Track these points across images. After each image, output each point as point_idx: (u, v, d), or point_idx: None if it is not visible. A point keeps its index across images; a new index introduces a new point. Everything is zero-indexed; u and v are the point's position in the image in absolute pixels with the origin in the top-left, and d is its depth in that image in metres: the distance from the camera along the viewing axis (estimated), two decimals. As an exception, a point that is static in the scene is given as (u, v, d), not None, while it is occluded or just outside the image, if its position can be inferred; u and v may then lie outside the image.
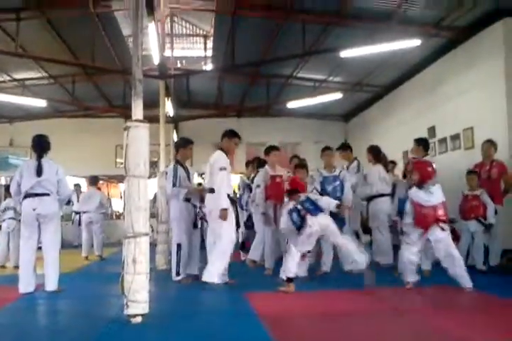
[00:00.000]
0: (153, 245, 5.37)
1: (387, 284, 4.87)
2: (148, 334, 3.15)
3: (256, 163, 6.97)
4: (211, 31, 9.38)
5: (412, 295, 4.47)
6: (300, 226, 4.57)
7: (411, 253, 4.51)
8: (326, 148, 6.10)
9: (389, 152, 6.60)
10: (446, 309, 3.77)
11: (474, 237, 5.64)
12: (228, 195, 4.92)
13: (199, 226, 5.50)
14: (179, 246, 5.22)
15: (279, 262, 6.02)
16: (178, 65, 10.82)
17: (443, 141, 8.36)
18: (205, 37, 9.99)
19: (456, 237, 5.74)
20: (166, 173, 5.54)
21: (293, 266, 4.48)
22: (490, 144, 5.99)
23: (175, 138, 11.98)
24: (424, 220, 4.45)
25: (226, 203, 4.78)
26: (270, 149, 6.07)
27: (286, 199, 4.97)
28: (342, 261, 5.47)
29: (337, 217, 5.28)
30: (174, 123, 11.81)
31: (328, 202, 4.77)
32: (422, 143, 5.83)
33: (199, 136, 12.55)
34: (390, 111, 10.69)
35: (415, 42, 7.16)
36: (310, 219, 4.52)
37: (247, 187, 7.08)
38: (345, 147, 6.76)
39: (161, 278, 5.69)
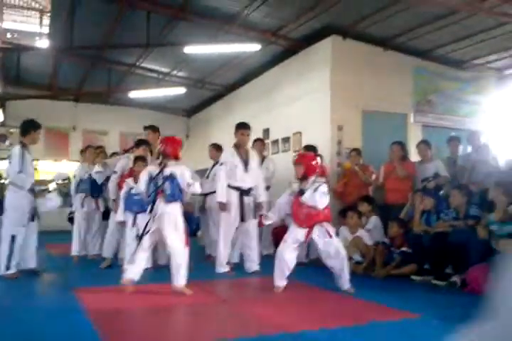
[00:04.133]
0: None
1: (219, 276, 5.17)
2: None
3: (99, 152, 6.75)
4: (48, 6, 8.72)
5: (239, 286, 4.76)
6: None
7: (290, 252, 4.30)
8: None
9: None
10: (268, 299, 4.06)
11: None
12: (238, 188, 5.39)
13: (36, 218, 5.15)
14: (13, 238, 4.82)
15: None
16: (8, 38, 9.84)
17: (275, 142, 8.98)
18: (42, 12, 9.26)
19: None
20: (9, 156, 4.98)
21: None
22: (306, 150, 6.50)
23: (1, 117, 10.89)
24: (309, 219, 4.25)
25: (221, 196, 5.34)
26: (139, 144, 5.90)
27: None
28: None
29: None
30: (1, 101, 10.71)
31: None
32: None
33: (29, 117, 11.61)
34: (230, 111, 11.10)
35: (255, 47, 7.59)
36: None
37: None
38: None
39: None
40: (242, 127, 5.63)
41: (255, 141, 7.07)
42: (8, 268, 4.80)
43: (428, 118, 8.26)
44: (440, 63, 8.29)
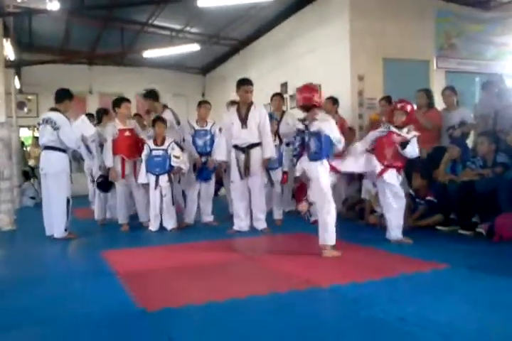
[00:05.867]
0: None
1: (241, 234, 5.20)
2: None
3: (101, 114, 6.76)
4: (56, -34, 8.43)
5: (264, 243, 4.79)
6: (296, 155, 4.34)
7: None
8: (204, 102, 6.18)
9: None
10: (294, 255, 4.05)
11: None
12: (236, 146, 5.18)
13: None
14: (68, 200, 5.04)
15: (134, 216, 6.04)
16: (19, 2, 9.63)
17: (294, 96, 8.78)
18: (50, -28, 8.95)
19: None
20: (49, 121, 5.00)
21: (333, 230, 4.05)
22: (330, 101, 6.44)
23: (17, 84, 10.88)
24: (395, 160, 4.43)
25: (216, 154, 5.41)
26: (120, 101, 5.81)
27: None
28: None
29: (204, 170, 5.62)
30: (16, 68, 10.66)
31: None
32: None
33: (45, 83, 11.58)
34: (246, 66, 10.86)
35: (270, -4, 7.28)
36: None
37: None
38: None
39: (6, 239, 5.32)
40: (246, 83, 5.26)
41: (274, 95, 6.92)
42: (66, 229, 5.05)
43: (452, 63, 7.94)
44: (464, 4, 7.86)
